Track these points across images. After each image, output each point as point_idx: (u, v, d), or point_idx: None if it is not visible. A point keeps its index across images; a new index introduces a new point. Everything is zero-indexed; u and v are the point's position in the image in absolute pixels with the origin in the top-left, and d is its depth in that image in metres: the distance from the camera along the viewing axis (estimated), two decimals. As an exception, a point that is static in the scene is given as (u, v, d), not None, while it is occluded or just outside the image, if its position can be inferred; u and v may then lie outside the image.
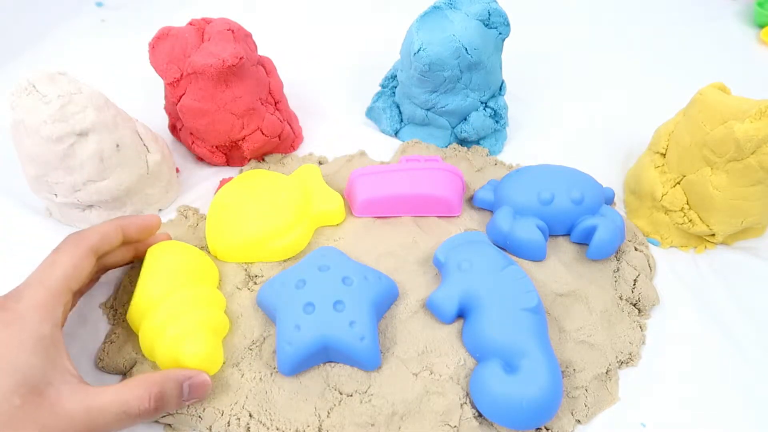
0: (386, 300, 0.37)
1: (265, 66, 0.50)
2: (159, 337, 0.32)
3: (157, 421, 0.34)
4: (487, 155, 0.51)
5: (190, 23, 0.46)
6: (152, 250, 0.37)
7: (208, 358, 0.32)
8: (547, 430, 0.34)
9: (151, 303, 0.34)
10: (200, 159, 0.51)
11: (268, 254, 0.41)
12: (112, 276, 0.40)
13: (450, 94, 0.48)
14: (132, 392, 0.27)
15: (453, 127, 0.51)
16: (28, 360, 0.25)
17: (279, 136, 0.49)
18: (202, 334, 0.33)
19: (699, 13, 0.73)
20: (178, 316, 0.33)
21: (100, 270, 0.37)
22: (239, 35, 0.45)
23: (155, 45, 0.45)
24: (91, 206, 0.43)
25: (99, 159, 0.40)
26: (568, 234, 0.43)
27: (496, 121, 0.51)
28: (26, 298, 0.27)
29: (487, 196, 0.45)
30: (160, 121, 0.51)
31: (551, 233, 0.43)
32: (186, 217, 0.45)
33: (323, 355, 0.34)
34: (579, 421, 0.35)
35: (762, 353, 0.39)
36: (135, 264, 0.40)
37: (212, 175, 0.50)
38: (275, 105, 0.50)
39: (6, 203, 0.46)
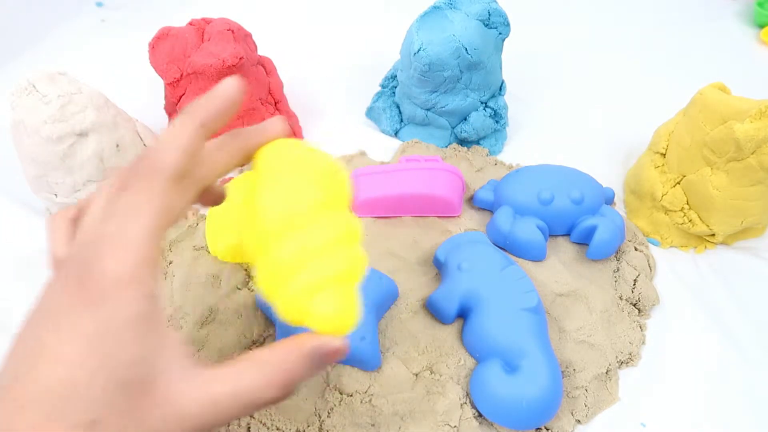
0: (386, 300, 0.37)
1: (265, 66, 0.50)
2: (282, 282, 0.25)
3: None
4: (487, 155, 0.51)
5: (190, 23, 0.46)
6: (267, 152, 0.27)
7: (342, 320, 0.25)
8: (547, 430, 0.34)
9: (273, 230, 0.25)
10: (200, 159, 0.51)
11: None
12: None
13: (450, 94, 0.48)
14: (256, 380, 0.22)
15: (453, 127, 0.51)
16: (128, 350, 0.20)
17: (279, 136, 0.49)
18: (337, 287, 0.25)
19: (699, 13, 0.73)
20: (310, 258, 0.24)
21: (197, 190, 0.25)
22: (239, 35, 0.45)
23: (155, 45, 0.45)
24: (91, 206, 0.43)
25: (99, 159, 0.40)
26: (568, 234, 0.43)
27: (496, 121, 0.51)
28: (109, 270, 0.20)
29: (487, 196, 0.45)
30: (160, 121, 0.51)
31: (551, 233, 0.43)
32: (186, 217, 0.45)
33: (323, 355, 0.34)
34: (579, 421, 0.35)
35: (762, 353, 0.39)
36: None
37: (212, 175, 0.50)
38: (275, 105, 0.50)
39: (6, 203, 0.46)
